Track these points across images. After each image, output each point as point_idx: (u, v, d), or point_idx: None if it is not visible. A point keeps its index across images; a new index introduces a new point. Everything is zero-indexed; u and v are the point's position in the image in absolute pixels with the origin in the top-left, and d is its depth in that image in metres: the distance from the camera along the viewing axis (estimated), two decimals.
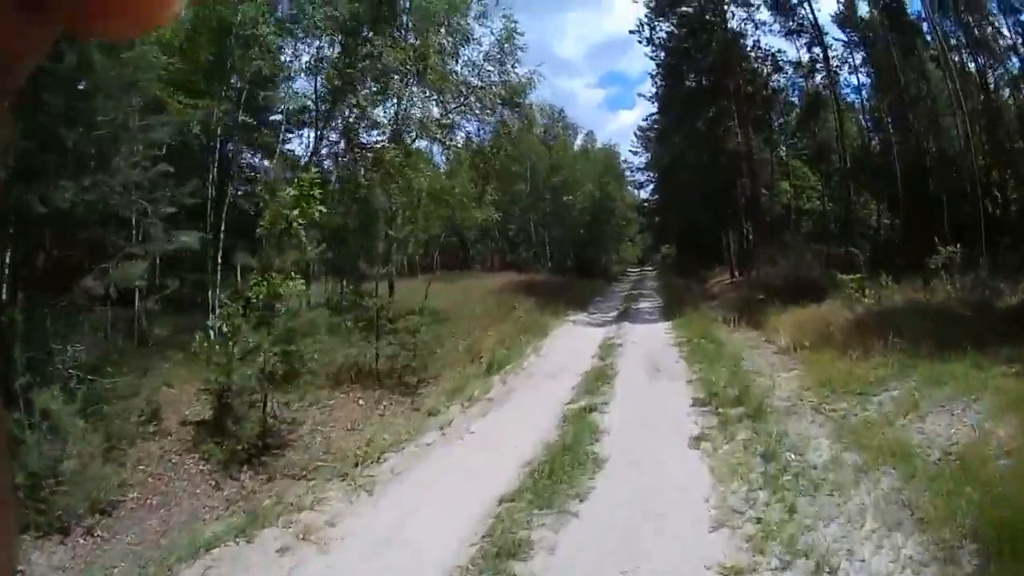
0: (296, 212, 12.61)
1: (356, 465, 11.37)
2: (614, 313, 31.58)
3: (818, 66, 34.41)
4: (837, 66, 33.71)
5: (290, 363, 12.02)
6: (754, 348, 18.91)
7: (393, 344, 16.54)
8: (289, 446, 12.18)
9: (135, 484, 10.22)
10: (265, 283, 12.03)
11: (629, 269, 70.17)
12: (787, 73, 36.68)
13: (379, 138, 23.00)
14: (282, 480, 10.98)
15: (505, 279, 36.52)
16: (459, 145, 25.16)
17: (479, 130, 25.47)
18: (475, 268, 43.03)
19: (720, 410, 12.93)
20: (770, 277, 26.43)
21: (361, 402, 14.71)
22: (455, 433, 13.23)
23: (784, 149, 39.78)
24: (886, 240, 31.16)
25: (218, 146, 18.32)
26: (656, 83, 41.54)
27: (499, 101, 23.72)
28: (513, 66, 23.81)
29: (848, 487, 8.88)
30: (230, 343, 11.96)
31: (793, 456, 10.17)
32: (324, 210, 13.60)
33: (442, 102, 22.89)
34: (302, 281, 13.36)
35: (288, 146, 24.32)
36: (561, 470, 10.33)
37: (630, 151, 64.71)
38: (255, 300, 12.15)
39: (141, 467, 10.72)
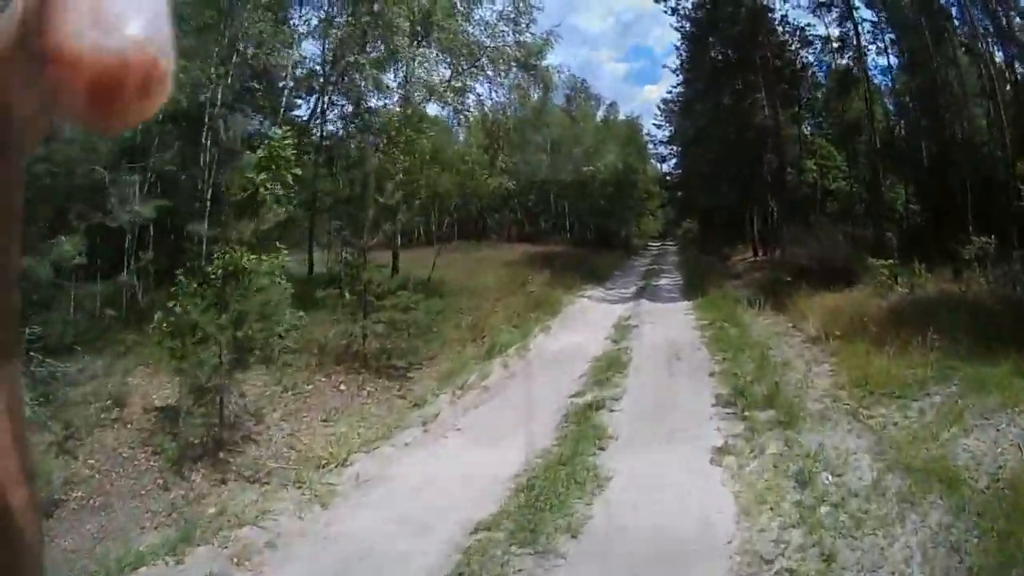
0: (263, 176, 10.72)
1: (319, 467, 9.61)
2: (633, 289, 29.50)
3: (847, 43, 32.36)
4: (866, 44, 31.60)
5: (240, 350, 10.21)
6: (781, 335, 16.83)
7: (383, 322, 14.57)
8: (252, 440, 10.52)
9: (80, 482, 8.82)
10: (225, 256, 10.23)
11: (650, 243, 67.91)
12: (815, 48, 34.61)
13: (386, 102, 21.40)
14: (235, 483, 9.37)
15: (521, 250, 34.55)
16: (471, 109, 23.25)
17: (491, 92, 23.47)
18: (492, 239, 41.18)
19: (747, 413, 10.80)
20: (797, 258, 24.41)
21: (343, 387, 12.84)
22: (439, 430, 11.29)
23: (809, 127, 37.74)
24: (913, 226, 29.24)
25: (208, 111, 16.48)
26: (681, 54, 39.54)
27: (513, 63, 21.86)
28: (528, 26, 21.96)
29: (893, 523, 7.20)
30: (187, 324, 10.22)
31: (831, 478, 8.31)
32: (299, 173, 11.74)
33: (453, 63, 21.02)
34: (285, 254, 11.66)
35: (298, 112, 22.76)
36: (553, 491, 8.40)
37: (654, 124, 62.59)
38: (214, 276, 10.36)
39: (92, 461, 9.29)
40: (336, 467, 9.64)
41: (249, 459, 9.95)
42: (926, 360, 12.28)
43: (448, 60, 20.93)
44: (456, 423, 11.51)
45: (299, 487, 9.10)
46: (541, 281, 24.64)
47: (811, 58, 35.06)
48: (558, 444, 10.05)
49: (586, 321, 20.38)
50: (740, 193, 34.00)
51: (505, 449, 9.99)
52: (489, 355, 15.33)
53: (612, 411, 11.48)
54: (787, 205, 31.77)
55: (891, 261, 20.07)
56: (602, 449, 9.81)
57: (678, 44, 39.48)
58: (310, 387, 12.55)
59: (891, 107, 34.02)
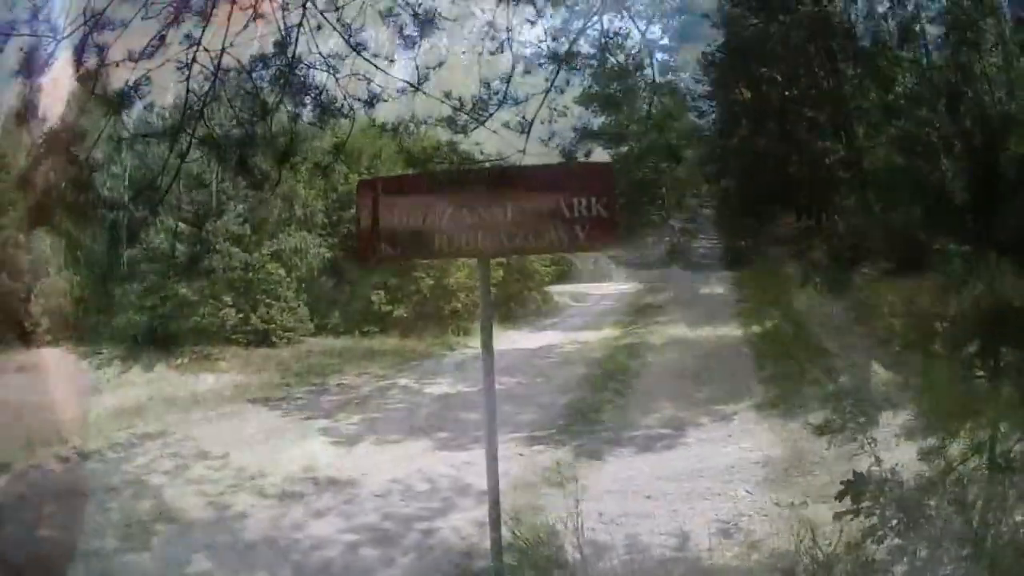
0: None
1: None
2: (660, 250, 26.04)
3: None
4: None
5: None
6: (845, 333, 13.11)
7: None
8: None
9: None
10: None
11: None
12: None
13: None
14: None
15: None
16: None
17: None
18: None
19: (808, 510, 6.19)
20: (854, 228, 20.69)
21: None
22: (329, 489, 7.43)
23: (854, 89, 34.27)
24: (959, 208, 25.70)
25: None
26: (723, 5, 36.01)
27: None
28: None
29: None
30: None
31: None
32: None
33: None
34: None
35: None
36: None
37: (692, 78, 59.65)
38: None
39: None
40: (176, 539, 6.53)
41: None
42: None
43: None
44: (355, 479, 7.60)
45: None
46: None
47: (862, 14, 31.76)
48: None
49: (593, 298, 16.41)
50: (790, 153, 30.79)
51: (394, 545, 6.22)
52: (449, 347, 11.32)
53: (580, 499, 6.00)
54: (841, 168, 28.48)
55: (966, 247, 16.44)
56: None
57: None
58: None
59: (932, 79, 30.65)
